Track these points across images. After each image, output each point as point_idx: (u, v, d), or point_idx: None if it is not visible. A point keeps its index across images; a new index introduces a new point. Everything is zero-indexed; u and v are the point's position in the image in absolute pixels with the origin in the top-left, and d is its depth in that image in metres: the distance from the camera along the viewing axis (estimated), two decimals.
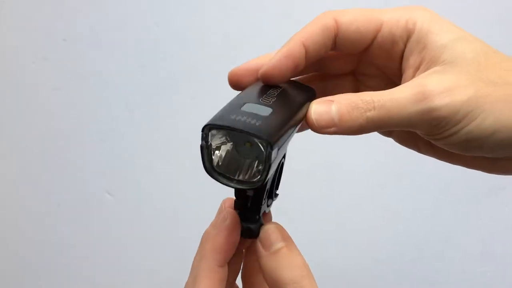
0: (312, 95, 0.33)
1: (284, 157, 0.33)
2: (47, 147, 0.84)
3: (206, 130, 0.28)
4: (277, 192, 0.35)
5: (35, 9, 0.80)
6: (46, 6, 0.80)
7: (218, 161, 0.29)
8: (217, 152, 0.29)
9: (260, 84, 0.32)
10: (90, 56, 0.80)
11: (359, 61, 0.36)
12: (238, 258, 0.35)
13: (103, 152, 0.82)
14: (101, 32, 0.79)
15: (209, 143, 0.28)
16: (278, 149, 0.28)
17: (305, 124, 0.31)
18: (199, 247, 0.33)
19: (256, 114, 0.28)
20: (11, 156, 0.85)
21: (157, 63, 0.79)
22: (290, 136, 0.30)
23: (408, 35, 0.31)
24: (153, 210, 0.83)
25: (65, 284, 0.87)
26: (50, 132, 0.83)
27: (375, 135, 0.35)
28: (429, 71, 0.30)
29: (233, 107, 0.29)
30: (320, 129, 0.29)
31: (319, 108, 0.29)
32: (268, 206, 0.35)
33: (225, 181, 0.29)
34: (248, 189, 0.30)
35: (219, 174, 0.29)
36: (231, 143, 0.29)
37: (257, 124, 0.27)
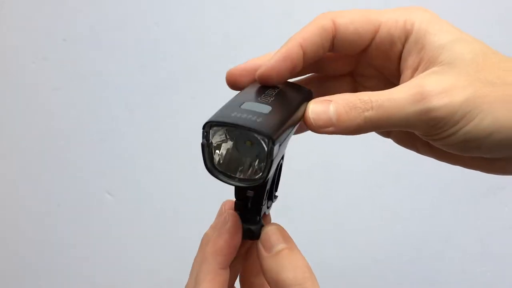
0: (309, 96, 0.33)
1: (282, 158, 0.33)
2: (47, 147, 0.84)
3: (207, 127, 0.28)
4: (276, 194, 0.36)
5: (35, 9, 0.80)
6: (46, 6, 0.80)
7: (219, 159, 0.29)
8: (217, 151, 0.29)
9: (258, 85, 0.32)
10: (90, 56, 0.80)
11: (357, 62, 0.35)
12: (238, 260, 0.35)
13: (103, 152, 0.82)
14: (101, 32, 0.80)
15: (210, 141, 0.28)
16: (280, 145, 0.28)
17: (303, 125, 0.31)
18: (199, 249, 0.33)
19: (256, 112, 0.28)
20: (11, 156, 0.85)
21: (157, 63, 0.79)
22: (289, 135, 0.30)
23: (406, 36, 0.31)
24: (153, 210, 0.83)
25: (65, 284, 0.87)
26: (50, 132, 0.83)
27: (373, 135, 0.35)
28: (427, 71, 0.29)
29: (232, 105, 0.29)
30: (318, 129, 0.29)
31: (317, 108, 0.29)
32: (268, 207, 0.35)
33: (226, 179, 0.29)
34: (250, 186, 0.29)
35: (220, 172, 0.29)
36: (231, 142, 0.29)
37: (258, 120, 0.27)
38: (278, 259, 0.30)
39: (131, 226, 0.84)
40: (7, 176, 0.86)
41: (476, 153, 0.30)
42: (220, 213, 0.34)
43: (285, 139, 0.29)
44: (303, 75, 0.37)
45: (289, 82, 0.34)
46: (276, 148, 0.27)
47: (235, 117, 0.27)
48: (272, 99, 0.30)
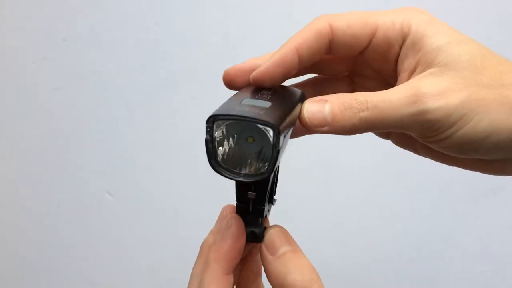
0: (302, 97, 0.33)
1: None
2: (47, 147, 0.84)
3: (211, 122, 0.27)
4: (275, 197, 0.35)
5: (35, 9, 0.80)
6: (46, 6, 0.80)
7: (222, 156, 0.29)
8: (220, 147, 0.29)
9: (253, 86, 0.33)
10: (90, 56, 0.80)
11: (355, 63, 0.36)
12: (236, 267, 0.34)
13: (103, 152, 0.82)
14: (101, 32, 0.80)
15: (214, 137, 0.28)
16: (284, 137, 0.28)
17: (299, 129, 0.31)
18: (199, 256, 0.32)
19: (257, 106, 0.28)
20: (11, 156, 0.85)
21: (157, 63, 0.79)
22: (288, 133, 0.30)
23: (403, 38, 0.31)
24: (153, 210, 0.83)
25: (65, 284, 0.87)
26: (50, 132, 0.83)
27: (373, 134, 0.35)
28: (424, 73, 0.29)
29: (232, 102, 0.29)
30: (313, 128, 0.29)
31: (312, 107, 0.29)
32: (268, 211, 0.35)
33: (231, 175, 0.28)
34: (257, 180, 0.29)
35: (224, 169, 0.28)
36: (233, 139, 0.29)
37: (261, 112, 0.27)
38: (284, 262, 0.30)
39: (131, 226, 0.84)
40: (7, 176, 0.86)
41: (474, 155, 0.30)
42: (221, 218, 0.33)
43: (285, 136, 0.29)
44: (301, 75, 0.37)
45: (282, 85, 0.34)
46: (281, 138, 0.27)
47: (238, 110, 0.27)
48: (269, 97, 0.30)
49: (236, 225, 0.31)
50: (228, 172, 0.28)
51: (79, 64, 0.81)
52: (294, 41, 0.32)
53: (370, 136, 0.35)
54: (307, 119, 0.29)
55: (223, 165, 0.28)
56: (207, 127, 0.27)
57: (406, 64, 0.31)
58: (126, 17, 0.79)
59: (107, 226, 0.84)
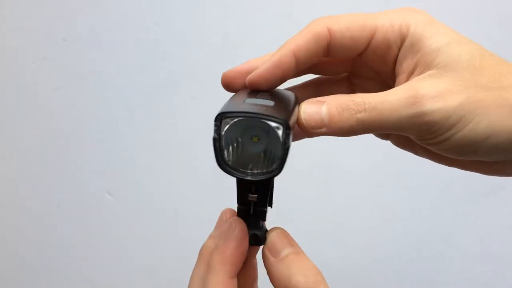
0: (297, 99, 0.33)
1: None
2: (47, 147, 0.84)
3: (219, 120, 0.27)
4: (273, 201, 0.35)
5: (35, 9, 0.80)
6: (46, 6, 0.80)
7: (229, 156, 0.28)
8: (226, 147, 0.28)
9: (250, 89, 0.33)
10: (90, 56, 0.80)
11: (353, 64, 0.35)
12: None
13: (103, 152, 0.82)
14: (101, 32, 0.80)
15: (221, 135, 0.27)
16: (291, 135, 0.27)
17: (298, 132, 0.31)
18: (199, 261, 0.32)
19: (262, 104, 0.28)
20: (11, 156, 0.85)
21: (157, 63, 0.79)
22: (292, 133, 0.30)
23: (402, 40, 0.31)
24: (153, 210, 0.83)
25: (65, 284, 0.87)
26: (50, 132, 0.83)
27: (372, 135, 0.35)
28: (422, 75, 0.29)
29: (235, 102, 0.29)
30: (310, 129, 0.29)
31: (309, 109, 0.29)
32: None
33: (240, 174, 0.28)
34: (261, 181, 0.29)
35: (232, 168, 0.28)
36: (237, 139, 0.28)
37: (268, 110, 0.27)
38: (287, 264, 0.29)
39: (131, 226, 0.84)
40: (7, 176, 0.86)
41: (473, 157, 0.30)
42: (221, 222, 0.33)
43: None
44: (300, 76, 0.37)
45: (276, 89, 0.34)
46: (291, 135, 0.27)
47: (245, 108, 0.27)
48: (270, 97, 0.30)
49: (239, 228, 0.31)
50: (236, 172, 0.28)
51: (79, 64, 0.81)
52: (291, 44, 0.31)
53: (369, 137, 0.35)
54: (304, 121, 0.29)
55: (230, 164, 0.28)
56: (215, 125, 0.27)
57: (404, 66, 0.31)
58: (126, 17, 0.79)
59: (107, 226, 0.84)
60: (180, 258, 0.80)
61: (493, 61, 0.29)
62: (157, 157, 0.81)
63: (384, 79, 0.34)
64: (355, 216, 0.78)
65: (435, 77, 0.28)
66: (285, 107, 0.29)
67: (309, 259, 0.30)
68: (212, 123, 0.27)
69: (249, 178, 0.28)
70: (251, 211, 0.32)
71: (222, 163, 0.28)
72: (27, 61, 0.81)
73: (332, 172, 0.78)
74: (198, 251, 0.33)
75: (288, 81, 0.34)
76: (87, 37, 0.80)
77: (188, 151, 0.80)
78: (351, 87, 0.37)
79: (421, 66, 0.30)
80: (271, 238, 0.31)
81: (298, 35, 0.32)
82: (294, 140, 0.33)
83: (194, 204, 0.81)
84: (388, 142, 0.37)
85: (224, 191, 0.36)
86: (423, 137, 0.29)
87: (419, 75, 0.30)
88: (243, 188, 0.32)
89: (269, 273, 0.30)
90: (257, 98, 0.29)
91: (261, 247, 0.32)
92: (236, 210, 0.33)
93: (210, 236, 0.33)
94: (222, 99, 0.31)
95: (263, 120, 0.27)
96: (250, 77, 0.32)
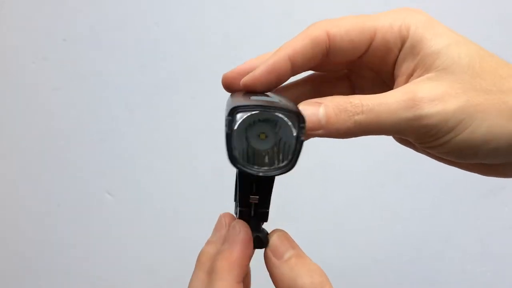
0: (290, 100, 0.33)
1: None
2: (47, 147, 0.84)
3: (232, 114, 0.26)
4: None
5: (35, 9, 0.80)
6: (46, 6, 0.80)
7: (239, 152, 0.28)
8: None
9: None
10: (90, 56, 0.80)
11: (353, 64, 0.35)
12: None
13: (103, 152, 0.82)
14: (101, 32, 0.80)
15: (234, 130, 0.26)
16: None
17: None
18: (198, 269, 0.31)
19: (269, 100, 0.27)
20: (11, 156, 0.85)
21: (157, 63, 0.79)
22: None
23: (402, 42, 0.30)
24: (153, 210, 0.83)
25: (65, 284, 0.87)
26: (50, 132, 0.83)
27: None
28: (421, 77, 0.29)
29: (241, 99, 0.28)
30: (307, 131, 0.28)
31: (306, 110, 0.28)
32: None
33: (253, 170, 0.27)
34: (281, 174, 0.28)
35: (243, 164, 0.27)
36: (246, 137, 0.28)
37: (280, 104, 0.26)
38: (292, 266, 0.29)
39: (131, 226, 0.84)
40: (7, 176, 0.86)
41: (474, 159, 0.30)
42: (219, 226, 0.32)
43: None
44: (298, 73, 0.36)
45: None
46: (305, 128, 0.26)
47: (257, 103, 0.26)
48: (272, 95, 0.30)
49: (245, 231, 0.30)
50: (248, 168, 0.27)
51: (79, 64, 0.81)
52: (287, 48, 0.31)
53: (369, 137, 0.35)
54: None
55: (241, 160, 0.27)
56: (228, 120, 0.26)
57: (404, 67, 0.31)
58: (126, 17, 0.79)
59: (107, 226, 0.84)
60: (180, 258, 0.80)
61: (493, 64, 0.29)
62: (157, 157, 0.81)
63: (383, 79, 0.34)
64: (355, 216, 0.78)
65: (434, 79, 0.28)
66: (292, 104, 0.28)
67: (312, 261, 0.30)
68: (225, 118, 0.26)
69: (261, 174, 0.28)
70: (252, 213, 0.32)
71: (235, 159, 0.27)
72: (27, 61, 0.81)
73: (332, 172, 0.78)
74: (198, 250, 0.32)
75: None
76: (87, 37, 0.80)
77: (188, 151, 0.80)
78: (351, 85, 0.36)
79: (421, 68, 0.29)
80: (274, 240, 0.30)
81: (296, 39, 0.31)
82: None
83: (194, 204, 0.81)
84: (388, 142, 0.37)
85: (224, 191, 0.36)
86: (421, 140, 0.29)
87: (418, 77, 0.29)
88: (245, 190, 0.31)
89: (272, 275, 0.30)
90: (262, 96, 0.29)
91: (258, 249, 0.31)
92: (234, 214, 0.33)
93: (209, 242, 0.32)
94: (222, 99, 0.31)
95: (278, 114, 0.26)
96: (245, 79, 0.31)
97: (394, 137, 0.37)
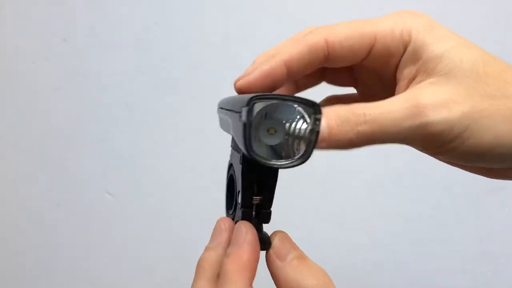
0: None
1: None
2: (47, 147, 0.84)
3: (251, 103, 0.25)
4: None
5: (35, 9, 0.80)
6: (46, 6, 0.80)
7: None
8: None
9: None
10: (90, 56, 0.80)
11: (354, 67, 0.34)
12: None
13: (103, 152, 0.82)
14: (101, 32, 0.80)
15: (252, 120, 0.26)
16: None
17: None
18: (200, 276, 0.30)
19: (284, 94, 0.27)
20: (11, 156, 0.85)
21: (157, 63, 0.79)
22: None
23: (404, 46, 0.30)
24: (153, 210, 0.83)
25: (65, 284, 0.87)
26: (50, 132, 0.83)
27: None
28: (424, 82, 0.28)
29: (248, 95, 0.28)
30: None
31: None
32: None
33: (272, 161, 0.26)
34: (299, 165, 0.27)
35: (259, 156, 0.26)
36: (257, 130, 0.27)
37: (294, 96, 0.26)
38: (296, 267, 0.29)
39: (131, 226, 0.84)
40: (7, 176, 0.86)
41: (481, 164, 0.29)
42: (218, 231, 0.32)
43: None
44: (294, 79, 0.36)
45: None
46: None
47: (270, 95, 0.26)
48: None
49: (252, 232, 0.29)
50: (265, 159, 0.26)
51: (79, 64, 0.81)
52: (284, 54, 0.30)
53: None
54: None
55: (258, 151, 0.26)
56: (246, 110, 0.25)
57: (406, 72, 0.30)
58: (126, 17, 0.79)
59: (107, 226, 0.84)
60: (180, 258, 0.80)
61: (497, 68, 0.28)
62: (157, 157, 0.81)
63: (386, 81, 0.34)
64: (355, 216, 0.78)
65: (436, 85, 0.28)
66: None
67: (313, 262, 0.29)
68: (242, 108, 0.26)
69: (276, 165, 0.27)
70: (254, 214, 0.31)
71: (251, 150, 0.26)
72: (27, 61, 0.81)
73: (332, 171, 0.78)
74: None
75: None
76: (87, 37, 0.80)
77: (188, 151, 0.80)
78: (353, 76, 0.36)
79: (423, 73, 0.29)
80: (277, 241, 0.30)
81: (293, 45, 0.31)
82: None
83: (194, 204, 0.81)
84: None
85: (224, 191, 0.36)
86: (427, 147, 0.28)
87: (420, 82, 0.29)
88: (248, 190, 0.31)
89: (276, 277, 0.29)
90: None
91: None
92: (230, 217, 0.33)
93: (208, 248, 0.31)
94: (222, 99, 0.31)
95: (297, 105, 0.26)
96: (239, 83, 0.31)
97: None
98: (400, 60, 0.30)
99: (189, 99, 0.79)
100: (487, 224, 0.76)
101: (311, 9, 0.74)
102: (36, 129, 0.84)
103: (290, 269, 0.29)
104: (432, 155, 0.30)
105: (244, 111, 0.26)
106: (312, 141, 0.26)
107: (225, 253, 0.30)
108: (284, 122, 0.27)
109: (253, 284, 0.31)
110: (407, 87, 0.30)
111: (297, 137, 0.27)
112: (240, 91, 0.31)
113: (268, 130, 0.27)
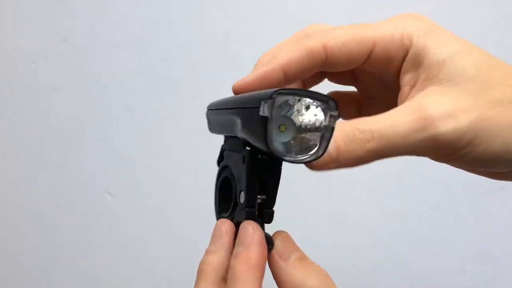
0: None
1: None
2: (47, 147, 0.84)
3: (272, 97, 0.25)
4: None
5: (35, 9, 0.80)
6: (46, 6, 0.80)
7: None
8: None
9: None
10: (90, 56, 0.80)
11: (354, 70, 0.34)
12: None
13: (103, 152, 0.82)
14: (101, 32, 0.80)
15: (273, 114, 0.25)
16: None
17: None
18: (202, 279, 0.29)
19: (298, 89, 0.27)
20: (11, 156, 0.85)
21: (157, 63, 0.79)
22: None
23: (405, 52, 0.29)
24: (153, 210, 0.83)
25: (65, 284, 0.87)
26: (50, 132, 0.83)
27: None
28: (427, 90, 0.28)
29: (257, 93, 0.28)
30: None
31: None
32: None
33: (291, 156, 0.26)
34: (314, 160, 0.26)
35: (281, 150, 0.26)
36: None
37: (309, 92, 0.26)
38: (299, 267, 0.28)
39: (131, 226, 0.84)
40: (7, 176, 0.86)
41: (493, 169, 0.29)
42: (219, 233, 0.31)
43: None
44: (294, 82, 0.36)
45: None
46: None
47: (292, 89, 0.26)
48: None
49: (259, 231, 0.29)
50: (281, 155, 0.26)
51: (79, 64, 0.81)
52: (281, 58, 0.30)
53: None
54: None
55: (277, 146, 0.26)
56: (266, 103, 0.25)
57: (407, 78, 0.29)
58: (126, 17, 0.79)
59: (107, 226, 0.84)
60: (180, 258, 0.80)
61: (501, 73, 0.28)
62: (157, 157, 0.81)
63: (386, 84, 0.33)
64: (355, 216, 0.78)
65: (441, 93, 0.27)
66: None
67: (315, 262, 0.29)
68: (261, 102, 0.25)
69: (296, 161, 0.26)
70: (256, 213, 0.31)
71: (272, 144, 0.25)
72: (27, 61, 0.81)
73: (332, 171, 0.78)
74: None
75: None
76: (87, 37, 0.80)
77: (188, 151, 0.80)
78: (354, 77, 0.36)
79: (425, 80, 0.28)
80: (279, 242, 0.30)
81: (291, 50, 0.30)
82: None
83: (194, 204, 0.81)
84: None
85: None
86: (437, 156, 0.28)
87: (423, 89, 0.28)
88: (253, 188, 0.30)
89: (278, 277, 0.29)
90: None
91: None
92: (228, 218, 0.32)
93: (209, 252, 0.30)
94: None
95: (316, 100, 0.25)
96: (236, 85, 0.31)
97: None
98: (401, 65, 0.30)
99: (189, 99, 0.79)
100: (487, 224, 0.76)
101: (311, 9, 0.74)
102: (36, 129, 0.84)
103: (293, 269, 0.28)
104: (444, 162, 0.29)
105: (265, 105, 0.25)
106: (327, 138, 0.26)
107: (231, 255, 0.29)
108: (294, 119, 0.26)
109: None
110: (410, 93, 0.29)
111: (309, 133, 0.26)
112: (236, 92, 0.31)
113: (279, 127, 0.26)
